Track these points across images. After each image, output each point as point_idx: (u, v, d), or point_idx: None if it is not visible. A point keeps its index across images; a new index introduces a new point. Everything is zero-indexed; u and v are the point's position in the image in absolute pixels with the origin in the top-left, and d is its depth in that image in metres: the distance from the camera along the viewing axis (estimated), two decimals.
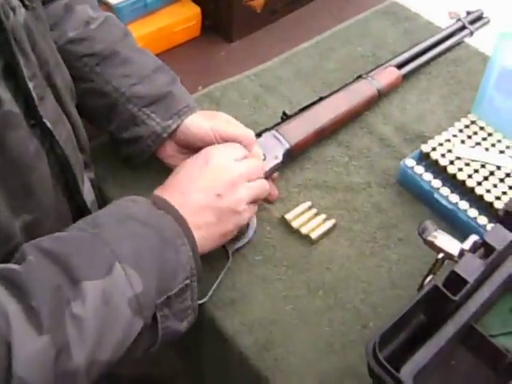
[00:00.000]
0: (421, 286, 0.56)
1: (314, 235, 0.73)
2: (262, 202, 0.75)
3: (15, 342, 0.45)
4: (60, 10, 0.73)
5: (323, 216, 0.75)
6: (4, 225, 0.52)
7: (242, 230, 0.71)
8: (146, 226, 0.56)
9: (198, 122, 0.73)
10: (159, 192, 0.63)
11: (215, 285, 0.68)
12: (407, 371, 0.39)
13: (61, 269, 0.50)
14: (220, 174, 0.64)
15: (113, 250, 0.53)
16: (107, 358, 0.51)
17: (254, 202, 0.68)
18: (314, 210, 0.76)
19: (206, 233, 0.62)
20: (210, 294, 0.67)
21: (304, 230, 0.73)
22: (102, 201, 0.75)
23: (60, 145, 0.58)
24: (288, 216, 0.75)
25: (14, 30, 0.51)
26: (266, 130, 0.79)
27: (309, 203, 0.76)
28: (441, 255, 0.51)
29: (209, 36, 1.01)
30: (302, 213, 0.75)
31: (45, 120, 0.55)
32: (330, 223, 0.74)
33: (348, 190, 0.79)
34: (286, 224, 0.75)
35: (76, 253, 0.52)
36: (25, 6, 0.54)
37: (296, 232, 0.74)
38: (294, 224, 0.74)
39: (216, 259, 0.70)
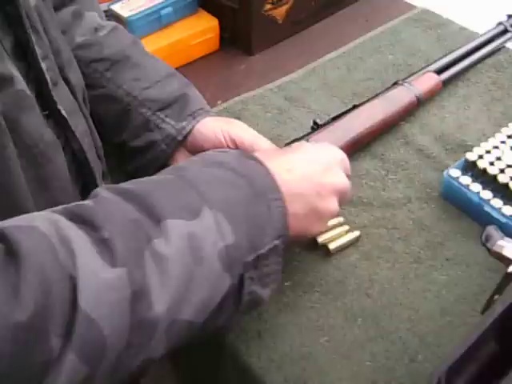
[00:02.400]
0: (486, 308, 0.47)
1: (332, 246, 0.66)
2: None
3: (81, 273, 0.38)
4: (68, 17, 0.69)
5: (346, 227, 0.68)
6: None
7: None
8: (236, 174, 0.49)
9: (210, 125, 0.68)
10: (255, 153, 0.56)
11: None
12: None
13: (139, 206, 0.43)
14: (327, 153, 0.59)
15: (201, 192, 0.46)
16: (190, 317, 0.44)
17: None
18: (346, 227, 0.68)
19: (300, 204, 0.54)
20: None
21: (320, 240, 0.66)
22: None
23: (77, 137, 0.53)
24: None
25: (27, 8, 0.47)
26: (295, 140, 0.71)
27: (340, 219, 0.68)
28: (511, 268, 0.42)
29: (228, 49, 0.95)
30: (331, 229, 0.67)
31: (59, 107, 0.51)
32: (353, 235, 0.67)
33: (386, 206, 0.71)
34: (317, 245, 0.67)
35: (158, 193, 0.45)
36: None
37: (328, 253, 0.66)
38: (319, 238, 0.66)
39: None
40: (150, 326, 0.41)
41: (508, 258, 0.43)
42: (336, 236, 0.66)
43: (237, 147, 0.66)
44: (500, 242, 0.43)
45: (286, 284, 0.64)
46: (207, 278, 0.44)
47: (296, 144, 0.62)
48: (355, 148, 0.75)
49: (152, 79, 0.69)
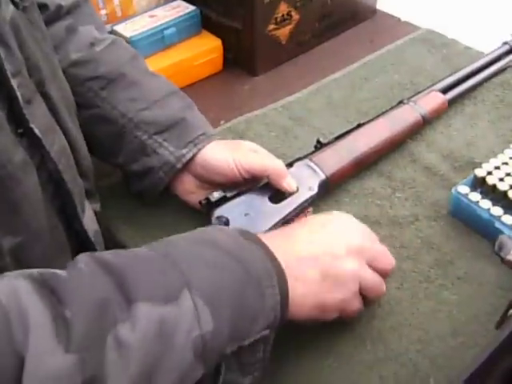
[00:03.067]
0: (500, 323, 0.44)
1: None
2: None
3: (31, 354, 0.35)
4: (62, 32, 0.66)
5: None
6: None
7: None
8: (229, 257, 0.46)
9: (217, 153, 0.65)
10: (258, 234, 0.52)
11: None
12: None
13: (115, 282, 0.40)
14: (342, 235, 0.54)
15: (184, 274, 0.43)
16: None
17: (362, 296, 0.56)
18: None
19: (302, 289, 0.50)
20: None
21: None
22: (112, 244, 0.67)
23: (51, 157, 0.50)
24: None
25: None
26: (299, 159, 0.70)
27: None
28: None
29: (231, 70, 0.95)
30: None
31: (32, 125, 0.48)
32: None
33: (393, 224, 0.69)
34: None
35: (138, 269, 0.42)
36: (14, 3, 0.48)
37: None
38: None
39: None
40: None
41: None
42: None
43: (251, 176, 0.64)
44: None
45: None
46: (176, 367, 0.41)
47: (309, 218, 0.59)
48: (360, 167, 0.73)
49: (150, 99, 0.66)
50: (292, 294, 0.49)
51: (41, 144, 0.50)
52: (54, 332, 0.36)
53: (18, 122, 0.47)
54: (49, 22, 0.66)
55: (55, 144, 0.52)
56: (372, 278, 0.55)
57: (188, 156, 0.64)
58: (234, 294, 0.44)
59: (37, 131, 0.49)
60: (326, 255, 0.52)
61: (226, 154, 0.64)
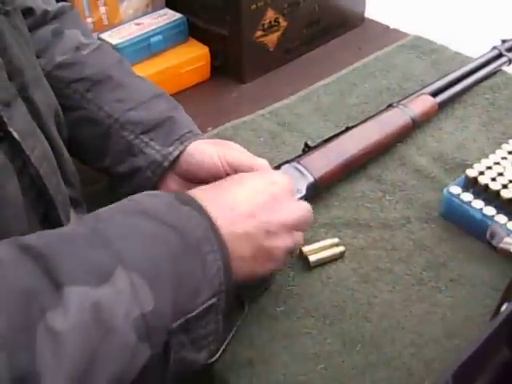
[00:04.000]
0: (495, 315, 0.43)
1: (312, 258, 0.63)
2: None
3: None
4: (48, 35, 0.66)
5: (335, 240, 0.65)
6: None
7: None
8: (163, 226, 0.44)
9: (203, 149, 0.63)
10: (190, 192, 0.51)
11: (227, 340, 0.55)
12: None
13: (41, 268, 0.37)
14: (278, 210, 0.53)
15: (116, 250, 0.40)
16: None
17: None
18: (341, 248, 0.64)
19: (246, 249, 0.49)
20: (221, 351, 0.54)
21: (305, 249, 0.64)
22: None
23: (32, 162, 0.48)
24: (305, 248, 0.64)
25: None
26: (286, 162, 0.69)
27: (335, 240, 0.65)
28: None
29: (219, 78, 0.94)
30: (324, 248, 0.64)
31: (10, 129, 0.46)
32: (337, 249, 0.64)
33: (384, 227, 0.67)
34: (312, 270, 0.63)
35: (64, 249, 0.39)
36: None
37: (309, 267, 0.63)
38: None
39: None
40: None
41: None
42: (319, 249, 0.63)
43: (235, 171, 0.62)
44: (507, 239, 0.39)
45: (278, 310, 0.59)
46: (118, 351, 0.38)
47: (238, 175, 0.57)
48: (349, 170, 0.72)
49: (136, 100, 0.65)
50: (233, 253, 0.47)
51: (20, 148, 0.48)
52: None
53: None
54: (35, 27, 0.66)
55: (36, 149, 0.50)
56: (297, 240, 0.55)
57: (175, 153, 0.63)
58: (173, 265, 0.42)
59: (15, 135, 0.47)
60: (264, 232, 0.51)
61: (211, 148, 0.63)
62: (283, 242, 0.53)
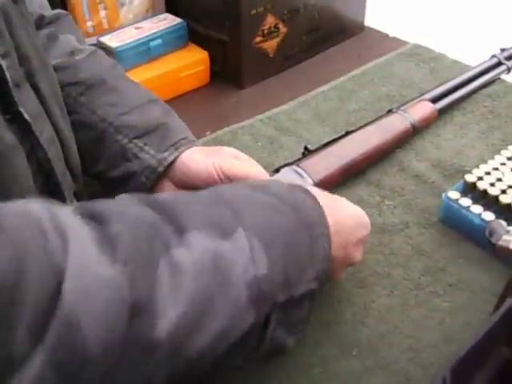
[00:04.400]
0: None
1: None
2: None
3: (71, 262, 0.32)
4: (43, 39, 0.65)
5: None
6: None
7: None
8: (281, 201, 0.45)
9: (198, 157, 0.63)
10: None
11: None
12: None
13: (161, 213, 0.38)
14: (361, 225, 0.55)
15: (237, 212, 0.41)
16: (201, 348, 0.36)
17: None
18: None
19: (337, 251, 0.50)
20: None
21: None
22: None
23: (41, 144, 0.49)
24: None
25: None
26: (286, 165, 0.68)
27: None
28: None
29: (218, 83, 0.94)
30: None
31: (21, 109, 0.46)
32: None
33: (383, 231, 0.67)
34: None
35: (186, 205, 0.40)
36: None
37: None
38: None
39: None
40: (148, 349, 0.34)
41: None
42: None
43: (231, 181, 0.61)
44: (506, 237, 0.39)
45: None
46: (229, 306, 0.38)
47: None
48: (348, 174, 0.71)
49: (130, 104, 0.65)
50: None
51: (30, 129, 0.48)
52: (96, 245, 0.34)
53: (7, 105, 0.46)
54: None
55: (44, 132, 0.51)
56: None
57: (169, 159, 0.62)
58: (287, 237, 0.43)
59: (26, 116, 0.48)
60: (355, 241, 0.53)
61: (206, 158, 0.63)
62: (358, 256, 0.55)
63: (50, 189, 0.52)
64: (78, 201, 0.60)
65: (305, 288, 0.43)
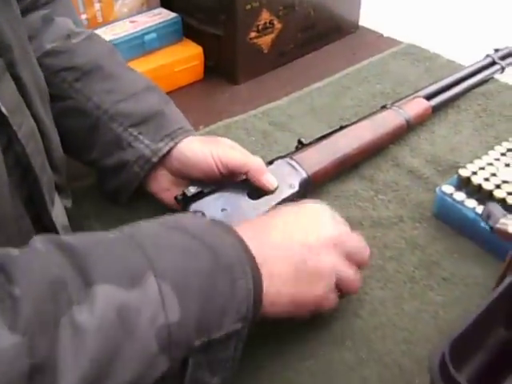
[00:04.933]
0: None
1: None
2: None
3: None
4: (38, 22, 0.64)
5: None
6: None
7: None
8: (197, 242, 0.43)
9: (195, 146, 0.62)
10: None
11: None
12: None
13: (73, 263, 0.37)
14: (319, 228, 0.51)
15: (149, 257, 0.39)
16: None
17: (339, 291, 0.53)
18: None
19: (277, 285, 0.47)
20: None
21: None
22: None
23: (18, 138, 0.47)
24: None
25: None
26: (279, 157, 0.68)
27: None
28: None
29: (212, 78, 0.93)
30: None
31: None
32: None
33: (376, 225, 0.66)
34: None
35: (99, 250, 0.39)
36: None
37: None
38: None
39: None
40: None
41: None
42: None
43: (229, 170, 0.61)
44: (503, 220, 0.38)
45: None
46: (137, 357, 0.37)
47: (282, 208, 0.55)
48: (342, 168, 0.71)
49: (127, 92, 0.64)
50: (266, 290, 0.45)
51: (7, 122, 0.47)
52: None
53: None
54: (25, 12, 0.64)
55: (23, 126, 0.49)
56: (349, 272, 0.52)
57: (164, 150, 0.61)
58: (203, 281, 0.41)
59: (3, 109, 0.46)
60: (302, 248, 0.49)
61: (203, 147, 0.62)
62: (329, 261, 0.50)
63: (27, 184, 0.51)
64: (59, 194, 0.59)
65: (226, 330, 0.42)
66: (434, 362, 0.26)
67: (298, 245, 0.50)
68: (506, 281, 0.31)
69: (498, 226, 0.39)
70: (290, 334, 0.55)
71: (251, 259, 0.45)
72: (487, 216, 0.40)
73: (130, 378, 0.37)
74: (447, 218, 0.65)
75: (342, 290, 0.53)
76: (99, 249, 0.40)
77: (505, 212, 0.40)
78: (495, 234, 0.40)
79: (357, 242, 0.54)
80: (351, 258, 0.52)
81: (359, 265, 0.53)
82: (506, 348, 0.30)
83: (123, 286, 0.37)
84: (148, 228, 0.44)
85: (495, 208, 0.40)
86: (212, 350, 0.42)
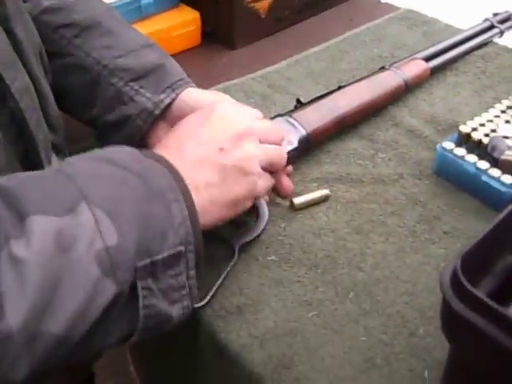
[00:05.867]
0: None
1: (297, 200, 0.63)
2: (274, 195, 0.62)
3: None
4: None
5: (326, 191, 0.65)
6: None
7: (250, 223, 0.59)
8: (129, 172, 0.43)
9: (199, 96, 0.63)
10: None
11: (216, 285, 0.53)
12: None
13: (5, 202, 0.37)
14: (225, 125, 0.52)
15: (80, 188, 0.40)
16: (58, 330, 0.36)
17: (270, 171, 0.55)
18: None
19: (207, 195, 0.48)
20: (209, 296, 0.52)
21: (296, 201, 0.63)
22: None
23: (12, 92, 0.47)
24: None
25: None
26: (278, 115, 0.67)
27: (326, 191, 0.64)
28: None
29: (209, 44, 0.92)
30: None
31: None
32: (322, 192, 0.64)
33: (377, 182, 0.66)
34: (304, 222, 0.62)
35: (29, 185, 0.39)
36: None
37: (317, 228, 0.61)
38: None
39: (219, 258, 0.56)
40: (1, 341, 0.35)
41: None
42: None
43: None
44: (508, 152, 0.38)
45: (269, 259, 0.58)
46: (80, 282, 0.38)
47: (190, 116, 0.55)
48: (341, 127, 0.71)
49: (126, 48, 0.64)
50: (198, 204, 0.46)
51: (0, 77, 0.46)
52: None
53: None
54: None
55: (17, 81, 0.49)
56: (269, 152, 0.54)
57: (166, 101, 0.61)
58: (137, 208, 0.42)
59: None
60: (218, 151, 0.50)
61: (207, 96, 0.63)
62: (244, 152, 0.51)
63: (23, 141, 0.50)
64: (57, 155, 0.58)
65: (168, 252, 0.42)
66: (445, 277, 0.26)
67: (212, 150, 0.50)
68: (509, 206, 0.31)
69: (502, 157, 0.39)
70: (294, 287, 0.55)
71: (181, 182, 0.46)
72: (492, 149, 0.40)
73: (76, 305, 0.37)
74: (448, 174, 0.65)
75: (273, 170, 0.55)
76: (29, 184, 0.40)
77: (508, 144, 0.40)
78: (500, 167, 0.39)
79: (268, 126, 0.56)
80: (266, 140, 0.55)
81: (276, 143, 0.56)
82: None
83: (57, 214, 0.38)
84: (77, 162, 0.44)
85: (500, 142, 0.40)
86: (160, 275, 0.42)
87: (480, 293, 0.25)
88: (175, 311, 0.44)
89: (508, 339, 0.24)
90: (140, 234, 0.41)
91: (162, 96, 0.61)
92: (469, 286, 0.25)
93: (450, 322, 0.27)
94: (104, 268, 0.38)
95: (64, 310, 0.37)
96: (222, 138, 0.51)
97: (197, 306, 0.48)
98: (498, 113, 0.69)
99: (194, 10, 0.91)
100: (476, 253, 0.28)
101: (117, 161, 0.44)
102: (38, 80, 0.54)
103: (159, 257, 0.42)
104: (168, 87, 0.62)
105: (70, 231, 0.38)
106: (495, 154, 0.40)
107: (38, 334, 0.36)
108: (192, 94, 0.62)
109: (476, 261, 0.29)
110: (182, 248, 0.43)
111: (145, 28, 0.86)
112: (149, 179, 0.44)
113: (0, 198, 0.38)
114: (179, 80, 0.63)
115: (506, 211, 0.31)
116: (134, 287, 0.41)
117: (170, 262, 0.43)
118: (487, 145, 0.59)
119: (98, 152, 0.46)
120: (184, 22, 0.89)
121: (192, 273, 0.45)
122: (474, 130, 0.65)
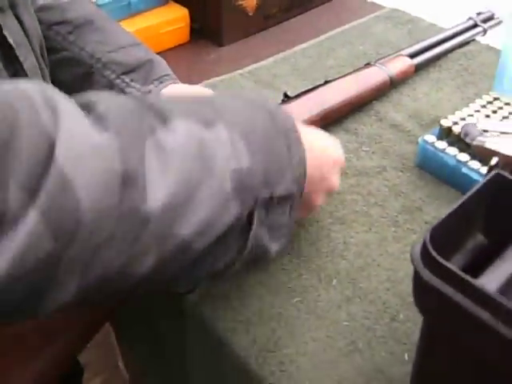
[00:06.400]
0: None
1: None
2: None
3: (62, 132, 0.31)
4: None
5: None
6: None
7: None
8: (256, 106, 0.45)
9: (186, 88, 0.66)
10: None
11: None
12: (490, 280, 0.26)
13: (145, 106, 0.38)
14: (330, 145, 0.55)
15: (217, 110, 0.41)
16: (187, 234, 0.36)
17: None
18: None
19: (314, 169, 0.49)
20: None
21: None
22: None
23: (24, 68, 0.49)
24: None
25: None
26: None
27: None
28: (494, 160, 0.39)
29: (198, 40, 0.94)
30: None
31: (5, 33, 0.46)
32: None
33: (361, 174, 0.68)
34: None
35: (171, 101, 0.41)
36: None
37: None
38: None
39: None
40: (139, 222, 0.34)
41: (491, 151, 0.39)
42: None
43: None
44: (480, 138, 0.40)
45: None
46: (214, 194, 0.38)
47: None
48: (326, 121, 0.72)
49: (117, 44, 0.67)
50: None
51: (14, 55, 0.49)
52: (87, 118, 0.34)
53: None
54: None
55: (28, 60, 0.51)
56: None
57: (154, 92, 0.64)
58: (266, 140, 0.43)
59: (10, 40, 0.48)
60: (325, 158, 0.53)
61: (194, 87, 0.65)
62: (335, 179, 0.54)
63: None
64: None
65: (284, 188, 0.43)
66: (416, 250, 0.28)
67: (326, 151, 0.53)
68: (482, 181, 0.33)
69: (475, 143, 0.41)
70: (279, 275, 0.57)
71: (300, 133, 0.46)
72: (465, 134, 0.41)
73: (207, 215, 0.37)
74: (429, 167, 0.67)
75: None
76: (169, 99, 0.42)
77: (481, 131, 0.41)
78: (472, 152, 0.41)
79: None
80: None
81: None
82: (483, 254, 0.32)
83: (200, 125, 0.39)
84: (212, 96, 0.47)
85: (472, 127, 0.42)
86: (272, 209, 0.43)
87: (449, 263, 0.26)
88: (274, 247, 0.45)
89: (476, 307, 0.26)
90: (266, 165, 0.42)
91: (151, 87, 0.64)
92: (438, 257, 0.26)
93: (422, 293, 0.28)
94: (236, 186, 0.39)
95: (196, 214, 0.37)
96: (330, 152, 0.54)
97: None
98: (479, 107, 0.71)
99: (182, 7, 0.92)
100: (445, 228, 0.30)
101: (247, 96, 0.46)
102: (43, 70, 0.56)
103: (278, 192, 0.42)
104: (155, 79, 0.65)
105: (211, 143, 0.38)
106: (467, 140, 0.41)
107: (169, 232, 0.36)
108: (179, 88, 0.65)
109: (445, 236, 0.30)
110: (294, 188, 0.44)
111: (134, 25, 0.88)
112: (276, 116, 0.45)
113: (141, 104, 0.38)
114: (166, 75, 0.66)
115: (473, 189, 0.32)
116: (249, 213, 0.41)
117: (282, 200, 0.43)
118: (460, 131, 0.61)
119: (233, 92, 0.50)
120: (173, 19, 0.91)
121: (293, 214, 0.46)
122: (455, 123, 0.67)
